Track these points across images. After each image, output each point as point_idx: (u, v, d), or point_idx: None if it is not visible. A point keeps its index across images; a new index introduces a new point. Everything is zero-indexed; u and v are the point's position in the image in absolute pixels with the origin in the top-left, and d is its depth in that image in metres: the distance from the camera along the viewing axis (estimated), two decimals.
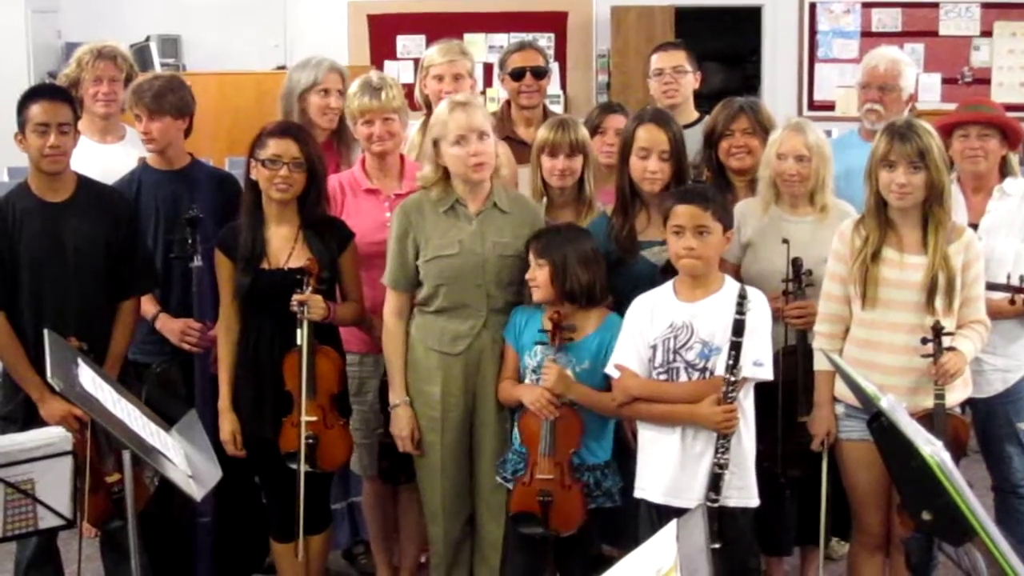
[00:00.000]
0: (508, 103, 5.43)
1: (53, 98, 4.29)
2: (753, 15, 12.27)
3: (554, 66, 11.62)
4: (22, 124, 4.22)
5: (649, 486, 3.97)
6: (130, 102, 4.68)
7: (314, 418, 4.18)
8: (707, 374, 3.87)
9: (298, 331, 4.12)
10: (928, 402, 3.91)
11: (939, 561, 3.82)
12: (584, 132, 4.57)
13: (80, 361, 3.52)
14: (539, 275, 4.09)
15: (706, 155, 4.73)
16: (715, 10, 12.30)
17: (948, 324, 3.93)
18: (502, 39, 11.66)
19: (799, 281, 4.25)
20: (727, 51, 13.12)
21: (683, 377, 3.91)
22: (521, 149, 4.89)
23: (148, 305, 4.58)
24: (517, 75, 5.31)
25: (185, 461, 3.60)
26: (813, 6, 12.07)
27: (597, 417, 4.12)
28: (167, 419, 3.81)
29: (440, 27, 11.31)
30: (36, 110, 4.20)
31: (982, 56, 11.90)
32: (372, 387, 4.60)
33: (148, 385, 4.57)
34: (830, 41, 12.09)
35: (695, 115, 5.35)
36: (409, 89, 5.06)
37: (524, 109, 5.33)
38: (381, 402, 4.52)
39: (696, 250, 3.88)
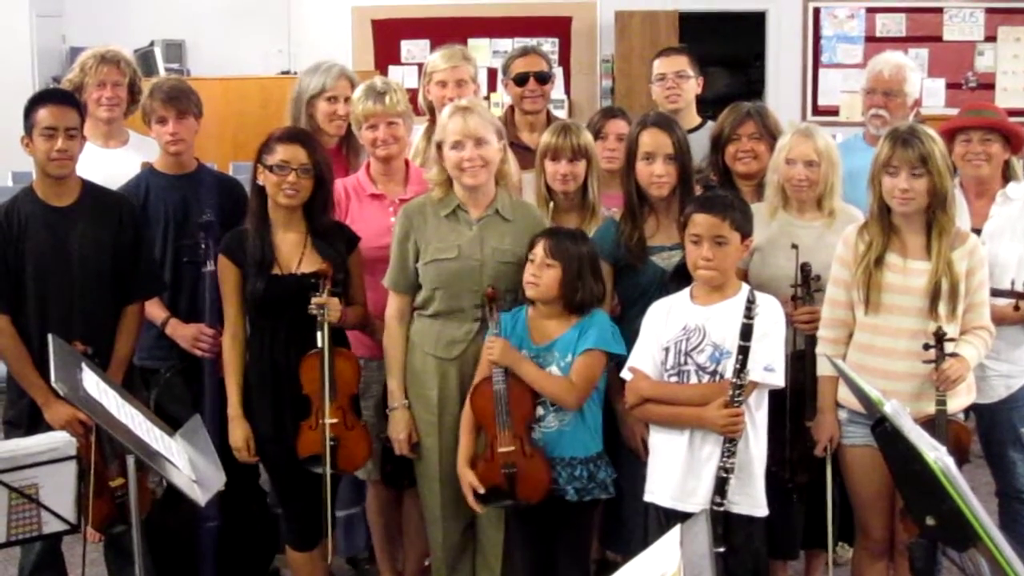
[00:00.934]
0: (512, 108, 5.43)
1: (61, 102, 4.30)
2: (757, 20, 12.29)
3: (558, 71, 11.66)
4: (29, 128, 4.23)
5: (658, 490, 3.97)
6: (153, 105, 4.67)
7: (334, 420, 4.18)
8: (717, 377, 3.87)
9: (318, 334, 4.12)
10: (931, 408, 3.91)
11: (943, 566, 3.82)
12: (587, 137, 4.57)
13: (85, 365, 3.52)
14: (546, 275, 4.07)
15: (713, 159, 4.73)
16: (719, 15, 12.31)
17: (951, 330, 3.93)
18: (506, 44, 11.69)
19: (808, 286, 4.24)
20: (731, 56, 13.15)
21: (693, 379, 3.91)
22: (525, 154, 4.89)
23: (157, 310, 4.59)
24: (520, 80, 5.30)
25: (189, 466, 3.60)
26: (817, 11, 12.08)
27: (586, 410, 4.11)
28: (175, 424, 3.82)
29: (444, 32, 11.39)
30: (44, 114, 4.21)
31: (986, 61, 11.90)
32: (376, 391, 4.60)
33: (156, 390, 4.58)
34: (834, 46, 12.10)
35: (697, 120, 5.35)
36: (413, 94, 5.07)
37: (528, 114, 5.33)
38: (384, 406, 4.52)
39: (713, 260, 3.88)
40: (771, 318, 3.87)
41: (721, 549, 3.64)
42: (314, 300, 4.10)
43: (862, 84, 5.31)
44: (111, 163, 4.96)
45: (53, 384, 3.29)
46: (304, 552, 4.39)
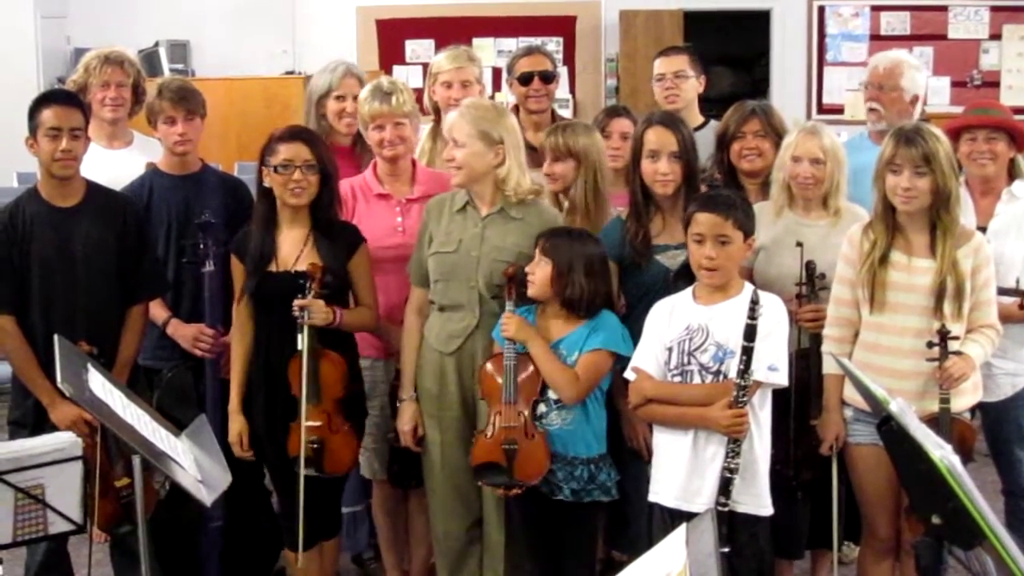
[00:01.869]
0: (516, 107, 5.44)
1: (65, 103, 4.30)
2: (762, 19, 12.26)
3: (563, 70, 11.65)
4: (34, 128, 4.24)
5: (662, 490, 3.97)
6: (162, 105, 4.67)
7: (318, 423, 4.17)
8: (721, 377, 3.87)
9: (299, 336, 4.13)
10: (935, 406, 3.91)
11: (949, 565, 3.80)
12: (582, 138, 4.55)
13: (90, 366, 3.53)
14: (539, 272, 4.09)
15: (718, 157, 4.73)
16: (724, 14, 12.29)
17: (957, 329, 3.93)
18: (511, 43, 11.67)
19: (812, 284, 4.24)
20: (736, 55, 13.12)
21: (696, 380, 3.91)
22: (530, 154, 4.89)
23: (159, 310, 4.60)
24: (525, 79, 5.31)
25: (195, 466, 3.60)
26: (822, 9, 12.06)
27: (590, 410, 4.12)
28: (178, 424, 3.82)
29: (449, 31, 11.38)
30: (48, 114, 4.22)
31: (991, 59, 11.88)
32: (382, 391, 4.61)
33: (159, 390, 4.58)
34: (839, 44, 12.08)
35: (700, 119, 5.36)
36: (418, 94, 5.07)
37: (532, 113, 5.33)
38: (391, 406, 4.53)
39: (716, 260, 3.88)
40: (774, 317, 3.87)
41: (726, 549, 3.64)
42: (296, 302, 4.10)
43: (862, 80, 5.31)
44: (115, 164, 4.96)
45: (59, 385, 3.30)
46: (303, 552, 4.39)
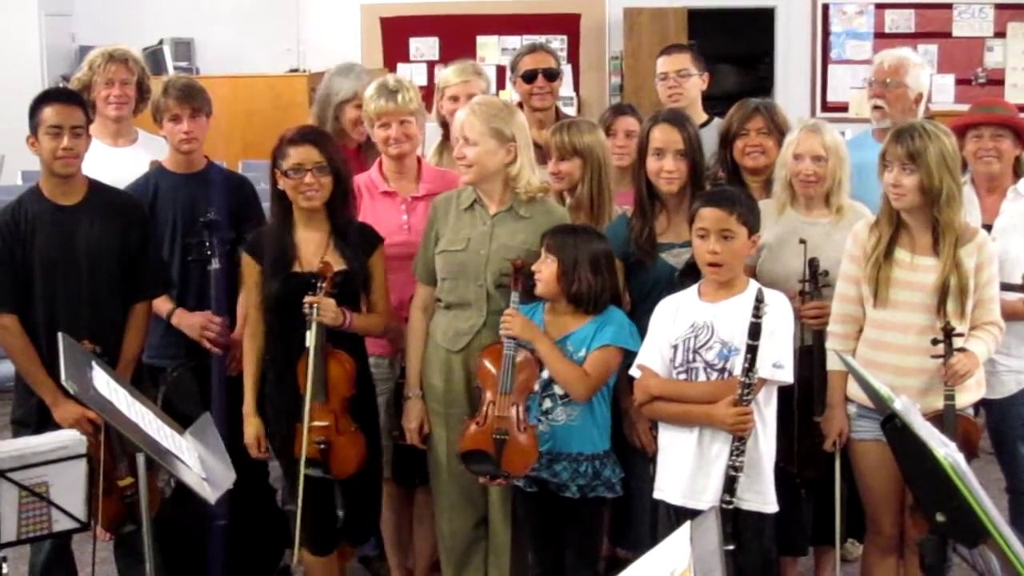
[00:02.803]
0: (520, 106, 5.43)
1: (65, 101, 4.31)
2: (766, 16, 12.26)
3: (567, 68, 11.64)
4: (35, 127, 4.24)
5: (667, 487, 3.98)
6: (168, 103, 4.66)
7: (325, 423, 4.15)
8: (726, 375, 3.87)
9: (307, 333, 4.11)
10: (939, 403, 3.90)
11: (953, 563, 3.80)
12: (587, 136, 4.55)
13: (94, 364, 3.53)
14: (545, 269, 4.09)
15: (721, 155, 4.73)
16: (728, 12, 12.29)
17: (960, 327, 3.92)
18: (515, 41, 11.66)
19: (816, 281, 4.24)
20: (740, 52, 13.13)
21: (702, 377, 3.91)
22: (534, 151, 4.89)
23: (163, 304, 4.58)
24: (529, 77, 5.31)
25: (199, 464, 3.60)
26: (826, 7, 12.05)
27: (595, 406, 4.12)
28: (183, 422, 3.81)
29: (453, 30, 11.39)
30: (49, 113, 4.22)
31: (996, 57, 11.87)
32: (386, 390, 4.60)
33: (164, 389, 4.58)
34: (843, 42, 12.08)
35: (703, 117, 5.34)
36: (423, 92, 5.06)
37: (536, 111, 5.33)
38: (396, 405, 4.53)
39: (720, 255, 3.88)
40: (779, 314, 3.87)
41: (731, 547, 3.64)
42: (307, 299, 4.08)
43: (866, 77, 5.31)
44: (120, 162, 4.97)
45: (63, 383, 3.30)
46: (320, 556, 4.37)
